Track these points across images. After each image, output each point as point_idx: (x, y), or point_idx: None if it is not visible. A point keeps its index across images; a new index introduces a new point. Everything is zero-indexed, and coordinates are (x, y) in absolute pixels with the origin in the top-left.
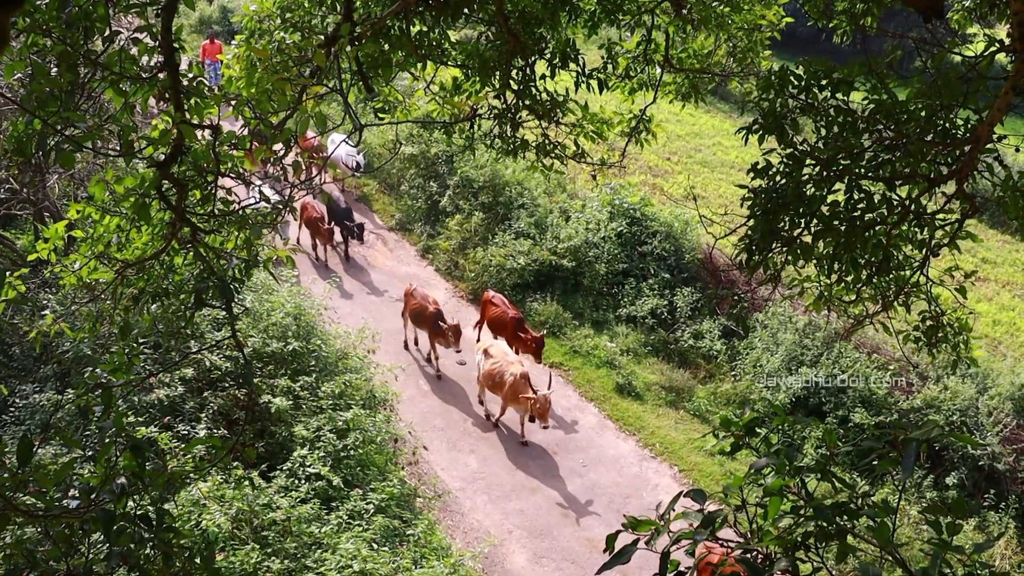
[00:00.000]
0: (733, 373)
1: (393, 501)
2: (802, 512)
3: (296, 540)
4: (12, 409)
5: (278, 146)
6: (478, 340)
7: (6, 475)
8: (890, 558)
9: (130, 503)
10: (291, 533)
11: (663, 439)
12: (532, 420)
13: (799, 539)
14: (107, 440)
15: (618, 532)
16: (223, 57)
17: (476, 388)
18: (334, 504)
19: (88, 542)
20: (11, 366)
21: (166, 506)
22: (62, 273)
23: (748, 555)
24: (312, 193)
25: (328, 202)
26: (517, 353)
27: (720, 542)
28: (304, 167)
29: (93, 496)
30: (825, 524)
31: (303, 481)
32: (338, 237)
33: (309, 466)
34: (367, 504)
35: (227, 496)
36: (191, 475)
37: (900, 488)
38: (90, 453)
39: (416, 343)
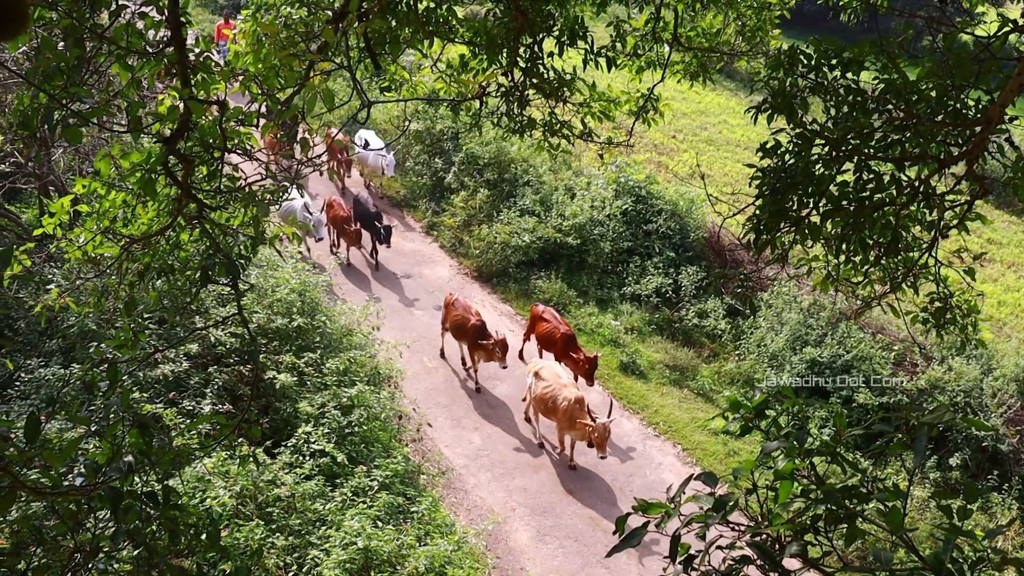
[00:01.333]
0: (737, 352)
1: (397, 478)
2: (812, 495)
3: (300, 517)
4: (18, 384)
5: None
6: (520, 355)
7: (13, 451)
8: (900, 542)
9: (136, 480)
10: (295, 510)
11: (667, 418)
12: (590, 446)
13: (808, 522)
14: (113, 417)
15: (628, 514)
16: (228, 32)
17: (513, 402)
18: (338, 481)
19: (94, 519)
20: (16, 340)
21: (171, 483)
22: (67, 248)
23: (759, 538)
24: (320, 172)
25: (355, 202)
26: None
27: (731, 525)
28: (331, 166)
29: (100, 473)
30: (835, 507)
31: (307, 458)
32: (367, 241)
33: (313, 443)
34: (371, 481)
35: (232, 473)
36: (197, 452)
37: (911, 473)
38: (95, 429)
39: (464, 363)
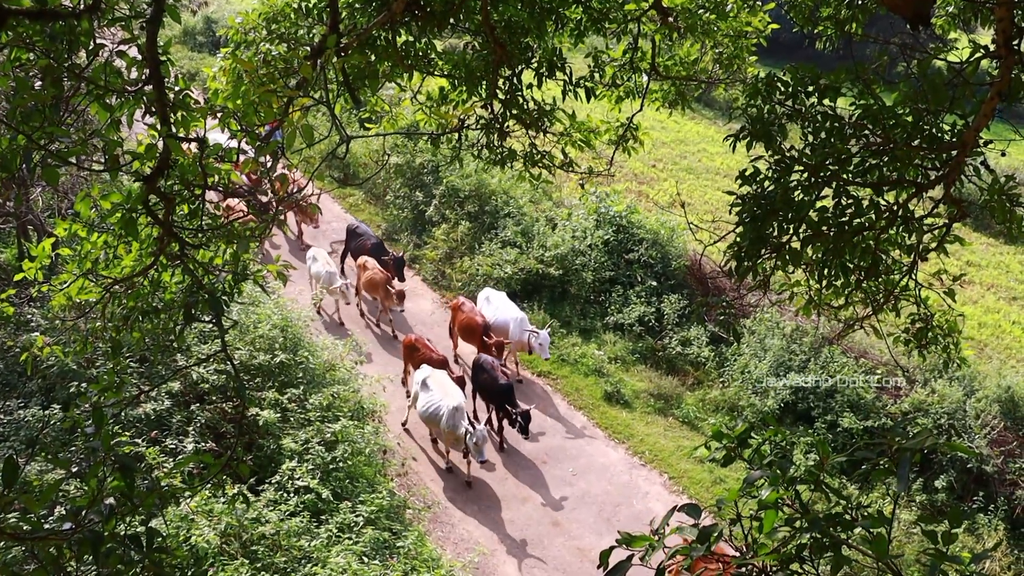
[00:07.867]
0: (721, 379)
1: (383, 513)
2: (797, 524)
3: (286, 554)
4: None
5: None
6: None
7: None
8: (886, 568)
9: (119, 522)
10: (281, 547)
11: (652, 447)
12: None
13: (794, 551)
14: (94, 458)
15: (612, 548)
16: (208, 69)
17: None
18: (323, 517)
19: (76, 563)
20: None
21: (154, 523)
22: (51, 293)
23: (744, 569)
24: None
25: (478, 368)
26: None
27: (716, 556)
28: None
29: (81, 516)
30: (820, 536)
31: (292, 494)
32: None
33: (298, 479)
34: (356, 517)
35: (216, 511)
36: (184, 492)
37: (895, 498)
38: (76, 470)
39: None
